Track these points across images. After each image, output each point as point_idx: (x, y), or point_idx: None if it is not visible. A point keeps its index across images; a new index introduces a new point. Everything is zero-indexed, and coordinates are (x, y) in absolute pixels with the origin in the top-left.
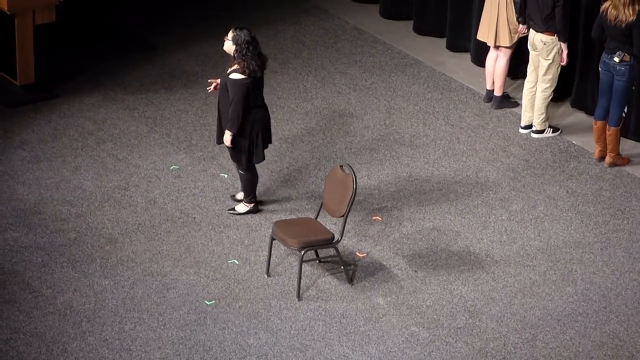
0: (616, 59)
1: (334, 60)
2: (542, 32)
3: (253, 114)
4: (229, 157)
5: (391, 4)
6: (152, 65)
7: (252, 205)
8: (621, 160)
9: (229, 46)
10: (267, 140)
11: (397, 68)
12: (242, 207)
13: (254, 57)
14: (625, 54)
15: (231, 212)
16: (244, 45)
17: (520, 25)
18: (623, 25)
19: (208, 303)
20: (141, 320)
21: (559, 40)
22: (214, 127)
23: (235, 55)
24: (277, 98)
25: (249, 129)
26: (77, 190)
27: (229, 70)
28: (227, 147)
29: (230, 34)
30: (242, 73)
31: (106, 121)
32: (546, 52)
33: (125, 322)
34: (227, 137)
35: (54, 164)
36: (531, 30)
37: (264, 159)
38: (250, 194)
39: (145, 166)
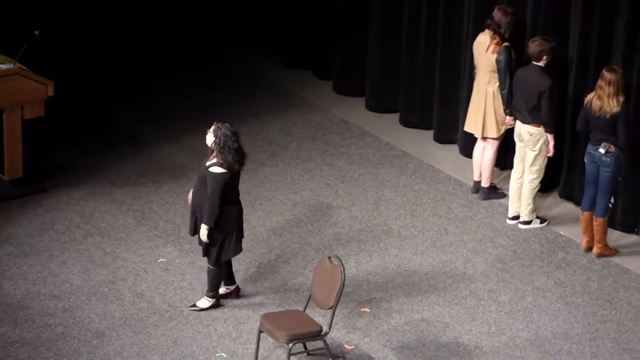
0: (602, 150)
1: (321, 152)
2: (528, 123)
3: (230, 210)
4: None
5: (377, 97)
6: (140, 158)
7: (214, 300)
8: (609, 251)
9: (210, 139)
10: (240, 235)
11: (384, 160)
12: (204, 302)
13: (231, 150)
14: (611, 145)
15: (192, 308)
16: (222, 139)
17: (507, 116)
18: (607, 116)
19: None
20: None
21: (546, 131)
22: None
23: (214, 147)
24: (265, 190)
25: (225, 224)
26: (64, 285)
27: (209, 163)
28: (201, 241)
29: (212, 128)
30: (220, 166)
31: (94, 215)
32: (533, 143)
33: None
34: (204, 231)
35: (41, 258)
36: (517, 121)
37: (241, 250)
38: (214, 290)
39: (132, 259)
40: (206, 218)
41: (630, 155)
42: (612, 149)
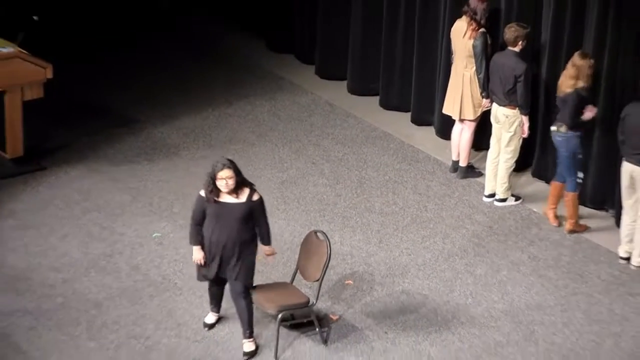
0: (553, 128)
1: (307, 133)
2: (504, 105)
3: None
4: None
5: (358, 81)
6: (135, 138)
7: (254, 339)
8: (580, 227)
9: (228, 176)
10: None
11: (367, 140)
12: (249, 346)
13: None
14: (562, 125)
15: (245, 357)
16: (238, 169)
17: (484, 99)
18: (562, 95)
19: None
20: None
21: (521, 113)
22: (194, 197)
23: (239, 180)
24: (254, 169)
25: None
26: (64, 257)
27: (247, 196)
28: (243, 270)
29: (228, 171)
30: (256, 190)
31: (91, 192)
32: (508, 125)
33: None
34: (272, 250)
35: (41, 232)
36: (494, 104)
37: None
38: (251, 325)
39: (129, 234)
40: (270, 237)
41: (600, 134)
42: (563, 128)
